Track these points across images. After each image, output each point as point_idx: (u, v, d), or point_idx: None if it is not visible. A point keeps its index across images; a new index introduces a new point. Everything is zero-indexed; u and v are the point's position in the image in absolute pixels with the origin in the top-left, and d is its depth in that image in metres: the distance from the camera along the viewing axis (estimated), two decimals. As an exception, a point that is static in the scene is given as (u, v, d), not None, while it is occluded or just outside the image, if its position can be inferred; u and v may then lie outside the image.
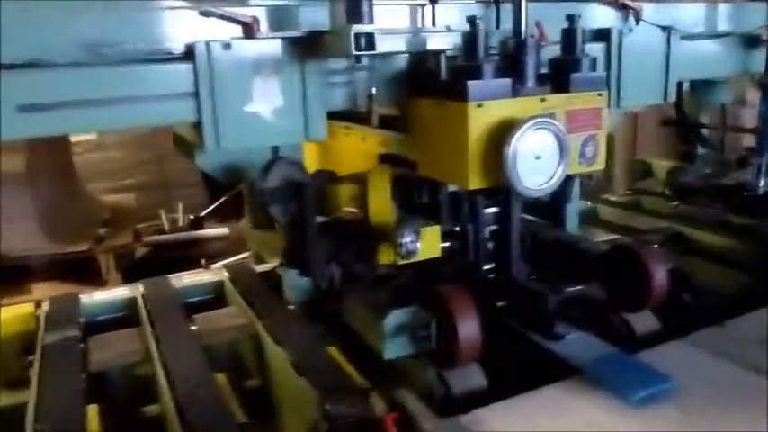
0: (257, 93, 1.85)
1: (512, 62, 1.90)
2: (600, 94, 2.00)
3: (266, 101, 1.87)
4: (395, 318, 1.98)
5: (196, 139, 1.89)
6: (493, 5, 2.19)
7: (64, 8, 1.65)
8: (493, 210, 2.16)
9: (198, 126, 1.83)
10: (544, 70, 2.01)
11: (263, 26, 1.85)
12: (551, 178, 1.87)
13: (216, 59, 1.77)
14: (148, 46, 1.74)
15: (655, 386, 1.77)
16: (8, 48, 1.57)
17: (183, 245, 5.51)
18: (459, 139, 1.81)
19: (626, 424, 1.66)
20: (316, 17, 1.89)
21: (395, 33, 1.88)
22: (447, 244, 2.16)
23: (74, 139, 6.15)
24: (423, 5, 2.09)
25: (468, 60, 1.85)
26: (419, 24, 2.10)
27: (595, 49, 2.39)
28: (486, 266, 2.20)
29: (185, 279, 2.85)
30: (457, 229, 2.20)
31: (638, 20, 2.47)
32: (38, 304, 2.68)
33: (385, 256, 2.03)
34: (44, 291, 4.15)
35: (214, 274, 2.90)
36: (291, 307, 2.49)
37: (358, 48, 1.66)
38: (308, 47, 1.86)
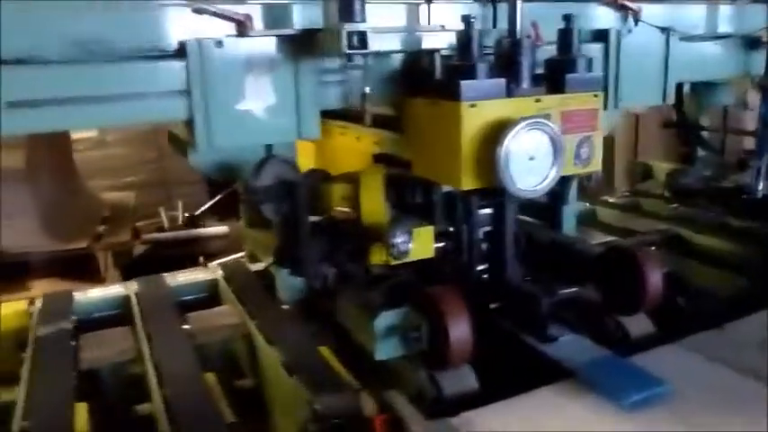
0: (250, 91, 1.84)
1: (506, 62, 1.88)
2: (596, 95, 1.99)
3: (259, 99, 1.85)
4: (386, 318, 1.97)
5: (189, 137, 1.89)
6: (490, 5, 2.17)
7: (56, 5, 1.64)
8: (487, 211, 2.15)
9: (190, 124, 1.82)
10: (540, 71, 2.00)
11: (258, 24, 1.84)
12: (545, 179, 1.86)
13: (208, 57, 1.76)
14: (141, 43, 1.72)
15: (648, 390, 1.76)
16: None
17: (182, 243, 5.51)
18: (452, 139, 1.80)
19: (617, 428, 1.64)
20: (310, 15, 1.88)
21: (389, 32, 1.87)
22: (441, 244, 2.15)
23: (75, 136, 6.16)
24: (418, 4, 2.07)
25: (462, 60, 1.84)
26: (416, 23, 2.08)
27: (594, 49, 2.37)
28: (481, 267, 2.19)
29: (180, 277, 2.84)
30: (451, 229, 2.19)
31: (636, 21, 2.45)
32: (31, 301, 2.68)
33: (378, 257, 2.02)
34: (43, 288, 4.14)
35: (209, 272, 2.89)
36: (285, 307, 2.48)
37: (350, 46, 1.64)
38: (301, 45, 1.84)
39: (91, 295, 2.72)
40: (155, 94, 1.75)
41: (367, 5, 1.77)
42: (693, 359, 1.95)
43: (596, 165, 2.04)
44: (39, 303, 2.63)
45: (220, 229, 5.58)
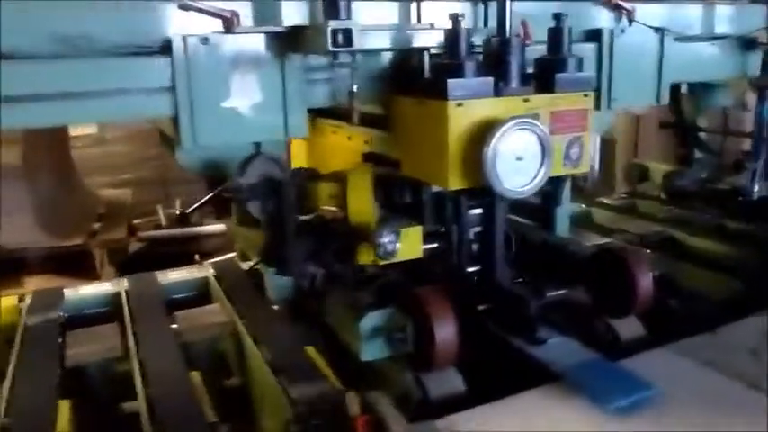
0: (236, 88, 1.82)
1: (495, 61, 1.86)
2: (586, 95, 1.96)
3: (245, 97, 1.84)
4: (372, 319, 1.95)
5: (175, 135, 1.87)
6: (481, 3, 2.15)
7: (41, 0, 1.63)
8: (478, 211, 2.13)
9: (176, 121, 1.80)
10: (532, 71, 1.98)
11: (246, 21, 1.82)
12: (533, 180, 1.83)
13: (193, 54, 1.74)
14: (125, 39, 1.71)
15: (636, 394, 1.74)
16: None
17: (179, 241, 5.50)
18: (439, 138, 1.78)
19: (603, 429, 1.63)
20: (298, 13, 1.86)
21: (376, 30, 1.85)
22: (432, 245, 2.13)
23: (74, 133, 6.15)
24: (409, 2, 2.05)
25: (449, 58, 1.82)
26: (405, 22, 2.06)
27: (587, 49, 2.35)
28: (471, 269, 2.17)
29: (171, 275, 2.83)
30: (442, 230, 2.17)
31: (630, 21, 2.42)
32: (21, 297, 2.67)
33: (365, 256, 2.00)
34: (37, 284, 4.13)
35: (200, 270, 2.88)
36: (275, 307, 2.46)
37: (335, 44, 1.62)
38: (288, 42, 1.82)
39: (81, 292, 2.70)
40: (139, 90, 1.74)
41: (356, 3, 1.76)
42: (683, 363, 1.93)
43: (586, 166, 2.02)
44: (28, 299, 2.62)
45: (217, 227, 5.56)
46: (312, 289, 2.23)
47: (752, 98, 3.38)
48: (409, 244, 2.00)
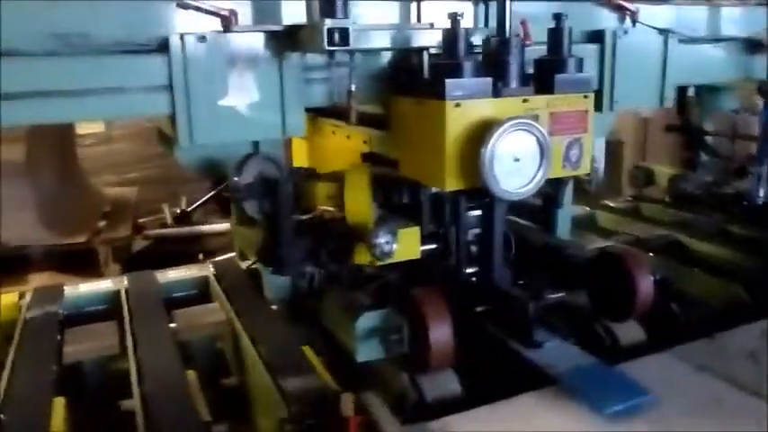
0: (233, 87, 1.82)
1: (494, 61, 1.85)
2: (586, 96, 1.94)
3: (243, 95, 1.83)
4: (368, 320, 1.94)
5: (172, 134, 1.87)
6: (482, 3, 2.14)
7: (38, -1, 1.63)
8: (477, 212, 2.12)
9: (173, 120, 1.80)
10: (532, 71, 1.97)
11: (246, 20, 1.82)
12: (531, 181, 1.81)
13: (190, 52, 1.74)
14: (123, 37, 1.71)
15: (631, 400, 1.72)
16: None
17: (184, 239, 5.51)
18: (436, 138, 1.77)
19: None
20: (298, 12, 1.86)
21: (374, 29, 1.84)
22: (431, 246, 2.12)
23: (81, 131, 6.20)
24: (409, 2, 2.04)
25: (448, 58, 1.80)
26: (405, 21, 2.05)
27: (589, 50, 2.33)
28: (469, 270, 2.15)
29: (171, 274, 2.83)
30: (440, 231, 2.16)
31: (634, 22, 2.40)
32: (22, 294, 2.68)
33: (362, 257, 1.99)
34: (41, 281, 4.17)
35: (200, 269, 2.88)
36: (274, 307, 2.46)
37: (331, 42, 1.61)
38: (285, 41, 1.82)
39: (81, 289, 2.71)
40: (137, 88, 1.73)
41: (356, 3, 1.75)
42: (681, 368, 1.91)
43: (586, 167, 2.00)
44: (29, 296, 2.63)
45: (222, 225, 5.56)
46: (310, 289, 2.22)
47: (761, 102, 3.35)
48: (406, 245, 1.99)
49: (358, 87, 1.88)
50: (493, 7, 2.10)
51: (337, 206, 2.03)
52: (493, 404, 1.74)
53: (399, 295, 1.91)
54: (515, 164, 1.78)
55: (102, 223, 4.84)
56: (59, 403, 1.85)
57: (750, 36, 2.73)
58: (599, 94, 2.32)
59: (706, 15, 2.68)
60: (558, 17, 1.93)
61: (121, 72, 1.72)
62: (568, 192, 2.59)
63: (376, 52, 1.97)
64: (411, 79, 1.94)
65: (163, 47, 1.73)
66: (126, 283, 2.73)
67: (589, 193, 3.51)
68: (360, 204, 1.99)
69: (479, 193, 1.89)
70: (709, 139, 3.62)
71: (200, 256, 4.51)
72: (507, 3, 1.87)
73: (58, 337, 2.27)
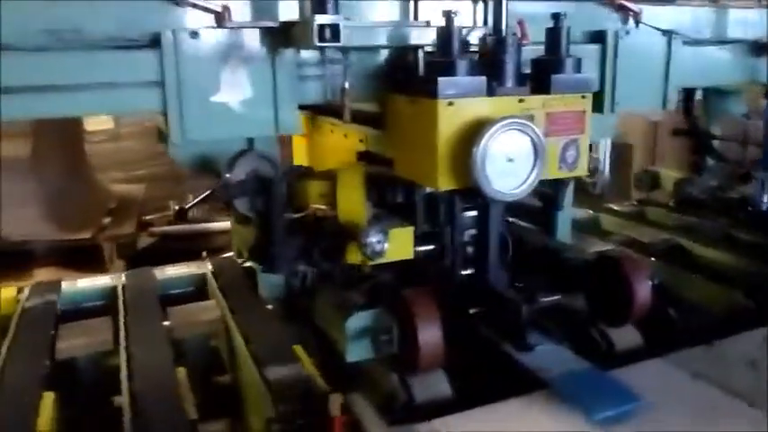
0: (226, 83, 1.80)
1: (490, 60, 1.82)
2: (584, 97, 1.91)
3: (235, 92, 1.82)
4: (359, 320, 1.93)
5: (165, 130, 1.86)
6: (481, 1, 2.11)
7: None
8: (473, 213, 2.10)
9: (165, 116, 1.80)
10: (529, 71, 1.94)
11: (243, 17, 1.81)
12: (524, 182, 1.79)
13: (183, 48, 1.73)
14: (115, 32, 1.71)
15: (622, 406, 1.69)
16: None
17: (189, 236, 5.51)
18: (429, 137, 1.75)
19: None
20: (295, 9, 1.84)
21: (368, 27, 1.82)
22: (426, 247, 2.10)
23: (90, 128, 6.24)
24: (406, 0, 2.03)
25: (442, 56, 1.78)
26: (402, 19, 2.03)
27: (590, 50, 2.29)
28: (465, 271, 2.13)
29: (168, 271, 2.83)
30: (436, 231, 2.14)
31: (637, 22, 2.36)
32: (20, 289, 2.69)
33: (354, 256, 1.98)
34: (45, 276, 4.17)
35: (198, 267, 2.88)
36: (269, 306, 2.45)
37: (322, 39, 1.60)
38: (279, 37, 1.81)
39: (78, 285, 2.72)
40: (128, 84, 1.73)
41: (356, 2, 1.73)
42: (676, 375, 1.88)
43: (583, 169, 1.97)
44: (27, 291, 2.64)
45: (227, 223, 5.57)
46: (303, 287, 2.21)
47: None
48: (399, 244, 1.97)
49: (353, 85, 1.86)
50: (491, 6, 2.08)
51: (330, 205, 2.01)
52: (482, 407, 1.72)
53: (390, 295, 1.89)
54: (509, 164, 1.76)
55: (107, 220, 4.86)
56: (48, 398, 1.84)
57: (756, 38, 2.69)
58: (600, 96, 2.29)
59: (712, 17, 2.64)
60: (556, 17, 1.91)
61: (113, 67, 1.71)
62: (569, 194, 2.57)
63: (372, 50, 1.95)
64: (407, 77, 1.92)
65: (155, 42, 1.72)
66: (124, 279, 2.73)
67: (593, 196, 3.48)
68: (352, 203, 1.98)
69: (473, 193, 1.86)
70: (716, 143, 3.57)
71: (204, 254, 4.51)
72: (504, 1, 1.85)
73: (53, 332, 2.27)
